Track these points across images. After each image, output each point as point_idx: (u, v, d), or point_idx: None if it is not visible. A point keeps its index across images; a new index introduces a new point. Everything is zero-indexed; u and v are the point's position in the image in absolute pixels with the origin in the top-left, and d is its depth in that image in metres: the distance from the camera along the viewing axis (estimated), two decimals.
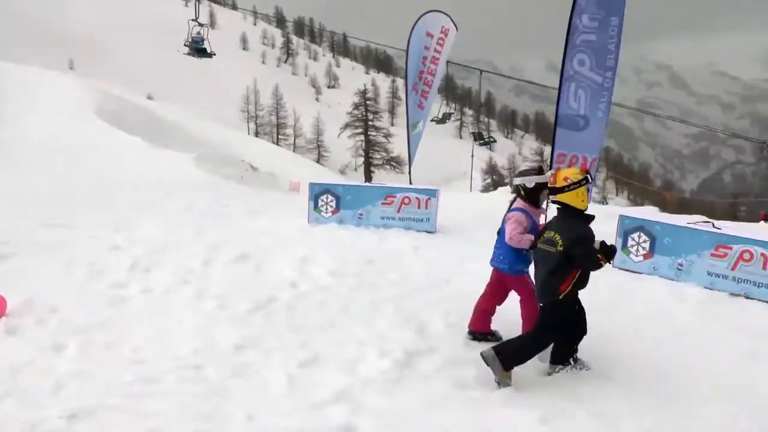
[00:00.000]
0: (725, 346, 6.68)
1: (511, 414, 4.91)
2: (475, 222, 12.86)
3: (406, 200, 11.70)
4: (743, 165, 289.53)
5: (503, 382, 5.36)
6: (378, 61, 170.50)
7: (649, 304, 8.04)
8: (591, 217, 5.54)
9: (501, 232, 6.22)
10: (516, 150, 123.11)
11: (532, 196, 6.13)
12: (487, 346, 5.55)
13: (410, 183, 13.80)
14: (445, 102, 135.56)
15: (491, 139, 39.19)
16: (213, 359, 5.65)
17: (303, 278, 8.16)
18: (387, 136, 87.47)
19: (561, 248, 5.35)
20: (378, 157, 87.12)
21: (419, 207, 11.70)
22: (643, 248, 9.51)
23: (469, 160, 33.89)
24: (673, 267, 9.15)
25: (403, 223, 11.68)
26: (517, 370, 5.45)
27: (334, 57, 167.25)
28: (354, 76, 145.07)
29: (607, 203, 61.35)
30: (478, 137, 37.15)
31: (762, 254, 8.44)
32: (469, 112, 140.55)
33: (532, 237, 5.84)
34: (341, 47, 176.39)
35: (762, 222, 23.12)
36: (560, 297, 5.45)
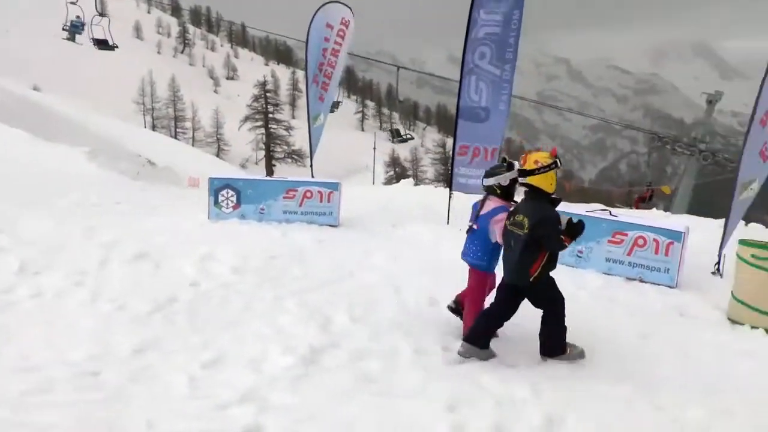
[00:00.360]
0: (625, 329, 6.96)
1: (416, 404, 4.94)
2: (379, 214, 12.90)
3: (308, 194, 11.59)
4: (637, 155, 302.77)
5: (489, 357, 5.82)
6: (278, 52, 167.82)
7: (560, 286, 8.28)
8: (558, 200, 5.74)
9: (480, 231, 6.23)
10: (419, 142, 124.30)
11: (508, 192, 6.23)
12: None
13: (312, 176, 13.70)
14: (346, 94, 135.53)
15: (409, 137, 39.21)
16: (111, 364, 5.40)
17: (204, 276, 7.93)
18: (288, 129, 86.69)
19: (527, 230, 5.50)
20: (279, 150, 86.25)
21: (321, 201, 11.61)
22: None
23: (371, 152, 34.02)
24: (573, 254, 9.46)
25: (305, 217, 11.57)
26: (426, 363, 5.55)
27: (232, 47, 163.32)
28: (253, 68, 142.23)
29: None
30: (395, 134, 37.04)
31: (654, 240, 8.86)
32: (371, 104, 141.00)
33: None
34: (240, 37, 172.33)
35: (637, 207, 24.29)
36: (531, 279, 5.63)
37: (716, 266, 9.55)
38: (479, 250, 6.28)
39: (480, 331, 5.88)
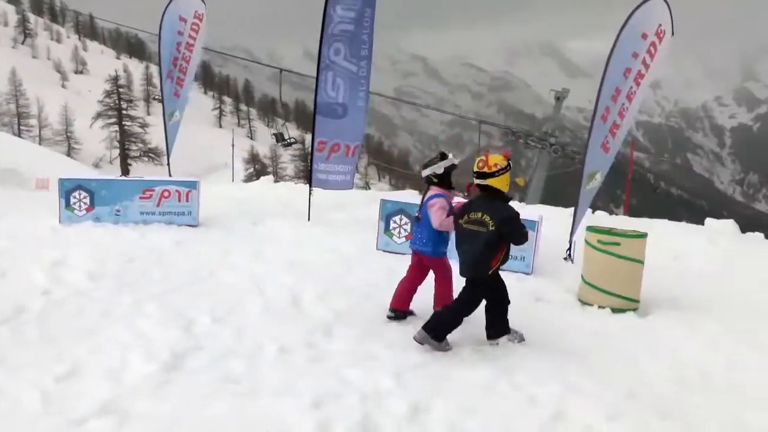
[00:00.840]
0: (483, 316, 7.23)
1: (282, 403, 4.91)
2: (239, 213, 12.71)
3: (166, 193, 11.23)
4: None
5: (444, 349, 6.06)
6: (130, 46, 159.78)
7: None
8: (510, 198, 6.34)
9: (422, 218, 6.66)
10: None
11: (445, 181, 6.67)
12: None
13: (170, 175, 13.32)
14: (203, 90, 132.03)
15: (292, 140, 38.25)
16: None
17: (56, 284, 7.50)
18: (143, 126, 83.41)
19: (493, 228, 5.92)
20: (135, 148, 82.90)
21: (180, 200, 11.28)
22: (404, 230, 9.98)
23: (230, 150, 33.37)
24: None
25: (164, 218, 11.21)
26: (290, 361, 5.53)
27: (80, 39, 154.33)
28: (104, 61, 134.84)
29: (369, 188, 63.66)
30: (280, 138, 35.94)
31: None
32: (228, 100, 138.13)
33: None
34: (88, 29, 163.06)
35: (469, 191, 25.52)
36: (489, 272, 6.07)
37: (567, 252, 10.12)
38: (423, 236, 6.72)
39: (443, 324, 6.13)
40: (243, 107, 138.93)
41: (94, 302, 6.99)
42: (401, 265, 9.10)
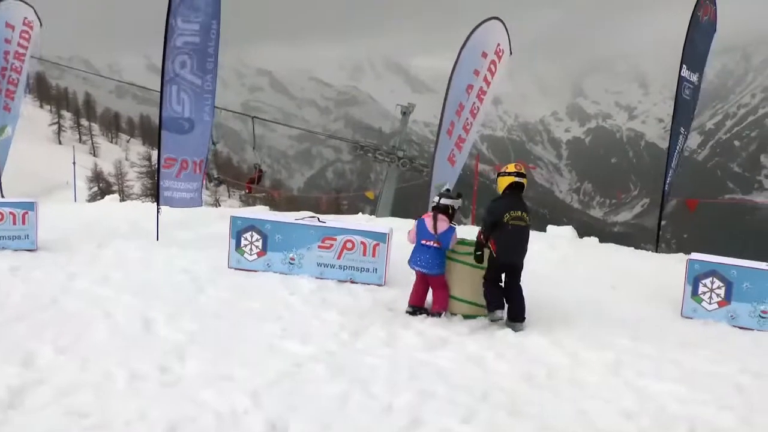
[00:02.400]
0: (337, 328, 7.27)
1: (137, 430, 4.73)
2: (83, 234, 12.07)
3: None
4: (342, 163, 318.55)
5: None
6: None
7: (266, 297, 8.42)
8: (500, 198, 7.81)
9: (444, 246, 7.96)
10: (123, 155, 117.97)
11: (453, 215, 8.12)
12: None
13: (2, 196, 12.46)
14: (38, 103, 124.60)
15: (218, 179, 34.99)
16: None
17: None
18: None
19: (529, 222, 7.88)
20: None
21: (15, 223, 10.53)
22: (257, 247, 9.86)
23: (71, 167, 31.58)
24: (286, 262, 9.68)
25: None
26: (143, 388, 5.31)
27: None
28: None
29: (219, 205, 62.33)
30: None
31: (362, 242, 9.38)
32: (68, 114, 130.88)
33: None
34: None
35: (249, 189, 26.34)
36: None
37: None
38: (438, 260, 7.98)
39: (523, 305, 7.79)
40: (84, 122, 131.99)
41: None
42: (253, 282, 9.03)
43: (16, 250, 10.40)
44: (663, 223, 14.82)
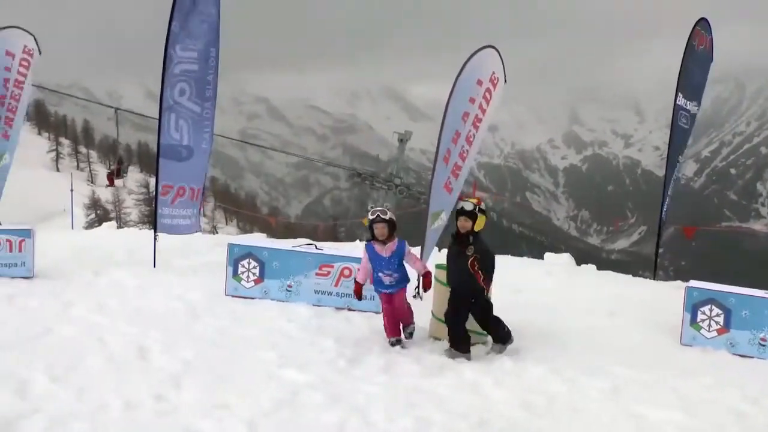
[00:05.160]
0: (333, 355, 7.23)
1: None
2: (80, 262, 12.03)
3: None
4: (340, 190, 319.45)
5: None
6: None
7: (263, 324, 8.38)
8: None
9: (399, 262, 7.75)
10: (120, 183, 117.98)
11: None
12: None
13: None
14: (36, 131, 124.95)
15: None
16: None
17: None
18: None
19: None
20: None
21: (11, 250, 10.49)
22: (254, 274, 9.83)
23: (68, 194, 31.53)
24: (283, 289, 9.64)
25: None
26: (138, 417, 5.25)
27: None
28: None
29: (217, 232, 62.30)
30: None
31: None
32: (66, 142, 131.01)
33: None
34: None
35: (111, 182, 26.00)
36: None
37: (416, 290, 10.31)
38: (399, 276, 7.82)
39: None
40: (82, 149, 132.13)
41: None
42: (250, 309, 9.00)
43: (12, 278, 10.34)
44: (661, 250, 14.81)
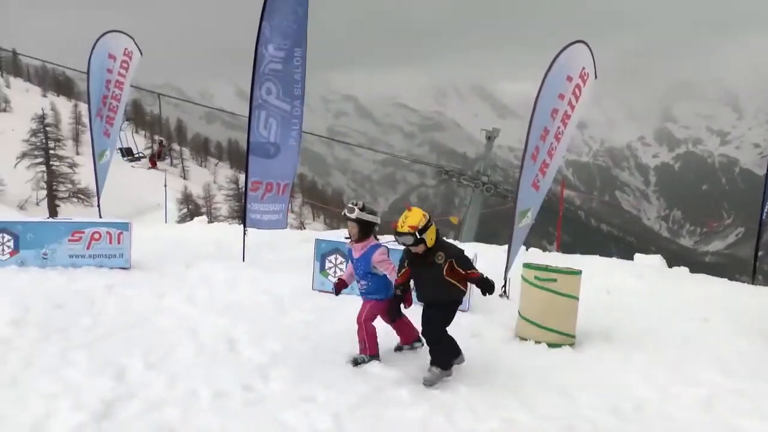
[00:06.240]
0: (420, 353, 7.23)
1: None
2: (173, 255, 12.46)
3: (96, 235, 10.93)
4: (426, 187, 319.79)
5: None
6: (57, 83, 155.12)
7: (349, 319, 8.44)
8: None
9: (366, 271, 6.84)
10: (211, 178, 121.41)
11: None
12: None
13: (100, 216, 13.00)
14: (134, 129, 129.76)
15: (140, 155, 35.31)
16: None
17: None
18: (72, 166, 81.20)
19: None
20: (63, 189, 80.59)
21: (111, 242, 10.99)
22: (340, 269, 9.94)
23: (162, 190, 32.67)
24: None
25: (94, 261, 10.90)
26: (226, 406, 5.40)
27: (3, 76, 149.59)
28: (29, 99, 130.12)
29: (304, 228, 63.37)
30: (126, 153, 31.56)
31: None
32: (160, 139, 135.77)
33: None
34: (10, 65, 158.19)
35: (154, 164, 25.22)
36: None
37: (503, 289, 10.23)
38: (378, 287, 6.92)
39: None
40: (176, 146, 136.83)
41: (16, 352, 6.67)
42: (336, 304, 9.08)
43: (111, 268, 10.83)
44: (760, 253, 14.19)
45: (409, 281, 6.63)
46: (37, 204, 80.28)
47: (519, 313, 8.36)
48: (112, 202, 17.18)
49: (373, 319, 6.91)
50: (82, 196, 75.95)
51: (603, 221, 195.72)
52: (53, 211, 70.00)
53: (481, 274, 6.37)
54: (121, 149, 27.61)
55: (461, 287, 6.41)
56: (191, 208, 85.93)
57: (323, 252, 10.11)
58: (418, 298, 6.62)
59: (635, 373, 7.03)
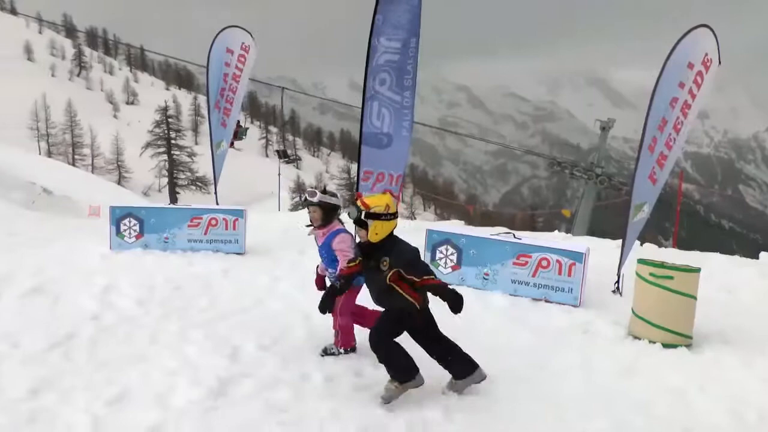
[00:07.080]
0: (531, 348, 7.14)
1: (328, 431, 4.91)
2: (285, 242, 12.78)
3: (213, 221, 11.40)
4: (538, 179, 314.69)
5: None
6: (179, 77, 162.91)
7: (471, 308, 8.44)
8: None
9: (331, 258, 6.56)
10: (323, 168, 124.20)
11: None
12: None
13: (217, 204, 13.49)
14: (249, 120, 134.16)
15: (296, 157, 38.42)
16: (2, 407, 5.10)
17: (106, 309, 7.66)
18: (191, 155, 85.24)
19: None
20: (183, 177, 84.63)
21: (227, 228, 11.44)
22: (451, 260, 9.93)
23: (276, 178, 33.62)
24: (480, 277, 9.64)
25: (211, 246, 11.37)
26: (336, 390, 5.51)
27: (131, 71, 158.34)
28: (154, 92, 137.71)
29: (415, 218, 63.63)
30: (282, 155, 35.49)
31: (557, 261, 9.14)
32: (274, 130, 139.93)
33: None
34: (138, 61, 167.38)
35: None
36: None
37: (616, 285, 9.92)
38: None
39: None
40: (289, 137, 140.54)
41: (142, 329, 7.10)
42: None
43: (227, 254, 11.26)
44: None
45: (355, 276, 5.94)
46: (159, 191, 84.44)
47: (632, 310, 8.06)
48: (228, 190, 17.82)
49: (349, 311, 6.66)
50: (200, 184, 79.33)
51: (724, 217, 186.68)
52: (173, 198, 73.45)
53: (443, 283, 5.55)
54: (278, 151, 29.91)
55: (409, 297, 5.55)
56: (303, 197, 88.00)
57: (434, 242, 10.11)
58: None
59: (757, 379, 6.61)
